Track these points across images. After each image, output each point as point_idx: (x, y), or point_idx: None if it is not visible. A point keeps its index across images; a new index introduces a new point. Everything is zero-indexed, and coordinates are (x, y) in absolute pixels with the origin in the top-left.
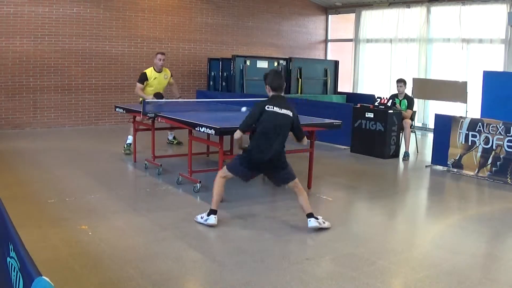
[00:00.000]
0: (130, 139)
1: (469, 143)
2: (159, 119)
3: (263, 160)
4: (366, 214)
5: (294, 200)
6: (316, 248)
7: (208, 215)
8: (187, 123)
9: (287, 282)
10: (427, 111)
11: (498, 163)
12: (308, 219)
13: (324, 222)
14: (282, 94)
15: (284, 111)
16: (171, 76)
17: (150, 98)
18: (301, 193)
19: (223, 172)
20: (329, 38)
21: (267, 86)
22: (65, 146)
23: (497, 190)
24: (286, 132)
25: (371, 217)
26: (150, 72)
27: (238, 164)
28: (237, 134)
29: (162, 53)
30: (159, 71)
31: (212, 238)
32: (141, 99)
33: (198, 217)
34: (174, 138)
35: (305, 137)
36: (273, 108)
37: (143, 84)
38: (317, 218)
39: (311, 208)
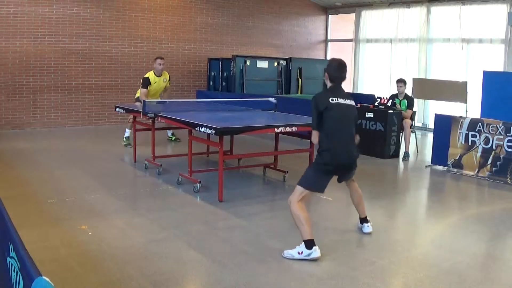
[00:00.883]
0: (127, 132)
1: (469, 143)
2: (159, 119)
3: (343, 162)
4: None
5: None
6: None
7: (309, 247)
8: (187, 123)
9: (287, 282)
10: (427, 111)
11: (498, 163)
12: (363, 224)
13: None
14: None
15: (348, 101)
16: (169, 80)
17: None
18: (355, 190)
19: (298, 193)
20: (329, 38)
21: (326, 74)
22: (65, 146)
23: (497, 190)
24: (354, 125)
25: (371, 217)
26: (152, 76)
27: (313, 174)
28: (314, 136)
29: (161, 58)
30: (159, 76)
31: (212, 238)
32: (137, 96)
33: (291, 253)
34: (172, 134)
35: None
36: (337, 100)
37: (147, 89)
38: (369, 223)
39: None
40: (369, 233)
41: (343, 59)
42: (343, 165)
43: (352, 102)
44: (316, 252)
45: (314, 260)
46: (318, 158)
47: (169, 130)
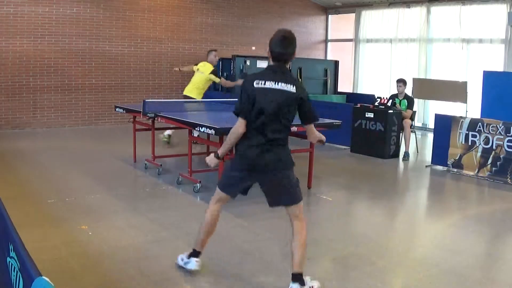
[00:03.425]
0: (168, 131)
1: (469, 143)
2: (159, 119)
3: (252, 163)
4: (366, 214)
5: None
6: (316, 248)
7: (189, 257)
8: (187, 123)
9: (287, 282)
10: (427, 111)
11: (498, 163)
12: (292, 283)
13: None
14: (285, 65)
15: (282, 85)
16: (212, 73)
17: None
18: (299, 231)
19: (215, 194)
20: (329, 38)
21: (268, 51)
22: (65, 146)
23: (497, 190)
24: (286, 116)
25: (371, 217)
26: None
27: (225, 172)
28: (236, 126)
29: (215, 50)
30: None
31: (212, 238)
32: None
33: (178, 258)
34: (169, 136)
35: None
36: (264, 84)
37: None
38: (303, 284)
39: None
40: None
41: (290, 32)
42: (252, 166)
43: (293, 89)
44: (192, 263)
45: (190, 270)
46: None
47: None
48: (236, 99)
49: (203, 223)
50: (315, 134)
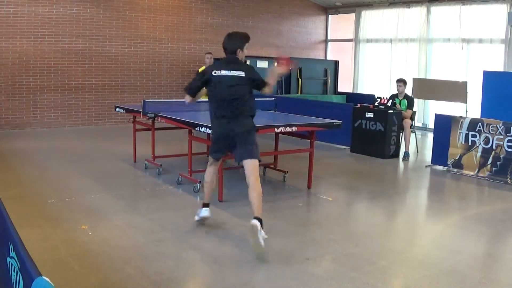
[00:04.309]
0: None
1: (469, 143)
2: (159, 119)
3: (222, 131)
4: (366, 214)
5: (295, 199)
6: (316, 248)
7: (202, 207)
8: (187, 123)
9: (287, 282)
10: (427, 111)
11: (498, 163)
12: (252, 220)
13: (262, 239)
14: (235, 56)
15: (234, 72)
16: None
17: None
18: (253, 186)
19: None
20: (329, 38)
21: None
22: (65, 146)
23: (497, 190)
24: (243, 95)
25: (371, 217)
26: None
27: (211, 141)
28: (186, 98)
29: (210, 53)
30: None
31: (212, 238)
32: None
33: (195, 217)
34: None
35: (268, 84)
36: (220, 72)
37: None
38: (261, 223)
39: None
40: (252, 226)
41: (243, 32)
42: (222, 134)
43: (241, 73)
44: (204, 211)
45: (205, 218)
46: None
47: None
48: None
49: (205, 181)
50: (271, 79)
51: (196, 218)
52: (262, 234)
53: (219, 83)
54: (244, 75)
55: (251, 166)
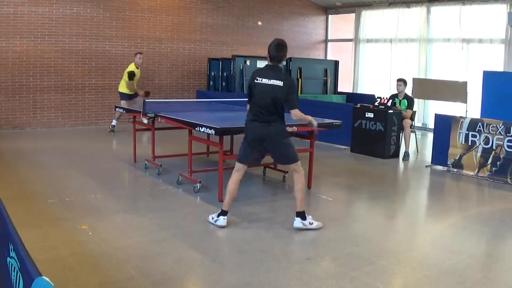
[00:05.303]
0: (114, 122)
1: (469, 143)
2: (159, 119)
3: (255, 134)
4: (366, 214)
5: (294, 200)
6: (316, 248)
7: (220, 215)
8: (187, 123)
9: (287, 282)
10: (427, 111)
11: (498, 163)
12: (295, 218)
13: (311, 223)
14: (279, 65)
15: (272, 81)
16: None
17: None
18: (298, 181)
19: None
20: (329, 38)
21: (267, 53)
22: (65, 146)
23: (497, 190)
24: (278, 103)
25: (371, 217)
26: (135, 69)
27: (241, 147)
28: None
29: (141, 53)
30: (138, 68)
31: (212, 238)
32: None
33: (210, 217)
34: (113, 127)
35: (295, 112)
36: (261, 80)
37: (133, 80)
38: (305, 218)
39: (304, 205)
40: (297, 228)
41: (282, 39)
42: (256, 137)
43: (279, 83)
44: (221, 221)
45: (221, 227)
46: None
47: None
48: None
49: (228, 189)
50: (296, 116)
51: (210, 220)
52: (309, 224)
53: (259, 90)
54: (282, 85)
55: (291, 169)
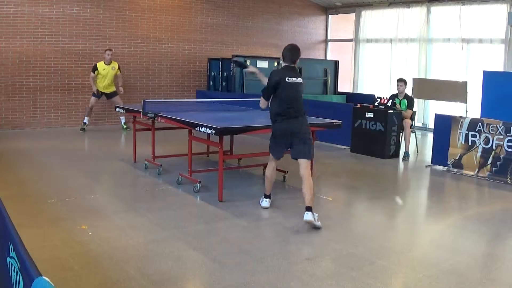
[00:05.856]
0: (86, 119)
1: (469, 143)
2: (159, 119)
3: (287, 128)
4: (366, 214)
5: (294, 200)
6: (316, 248)
7: (264, 197)
8: (187, 123)
9: (287, 282)
10: (427, 111)
11: (498, 163)
12: (306, 212)
13: (318, 221)
14: (295, 65)
15: (299, 79)
16: (118, 68)
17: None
18: (306, 179)
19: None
20: (329, 38)
21: (282, 56)
22: (65, 146)
23: (497, 190)
24: (301, 97)
25: (371, 217)
26: (100, 64)
27: (270, 145)
28: (262, 103)
29: (110, 49)
30: (108, 64)
31: (212, 238)
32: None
33: (260, 200)
34: (125, 123)
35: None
36: (292, 79)
37: (95, 73)
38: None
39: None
40: (307, 222)
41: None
42: (285, 131)
43: (300, 80)
44: (264, 202)
45: (264, 208)
46: (272, 127)
47: (122, 118)
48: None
49: (266, 175)
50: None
51: (261, 204)
52: (316, 221)
53: (290, 88)
54: (302, 82)
55: (305, 165)
